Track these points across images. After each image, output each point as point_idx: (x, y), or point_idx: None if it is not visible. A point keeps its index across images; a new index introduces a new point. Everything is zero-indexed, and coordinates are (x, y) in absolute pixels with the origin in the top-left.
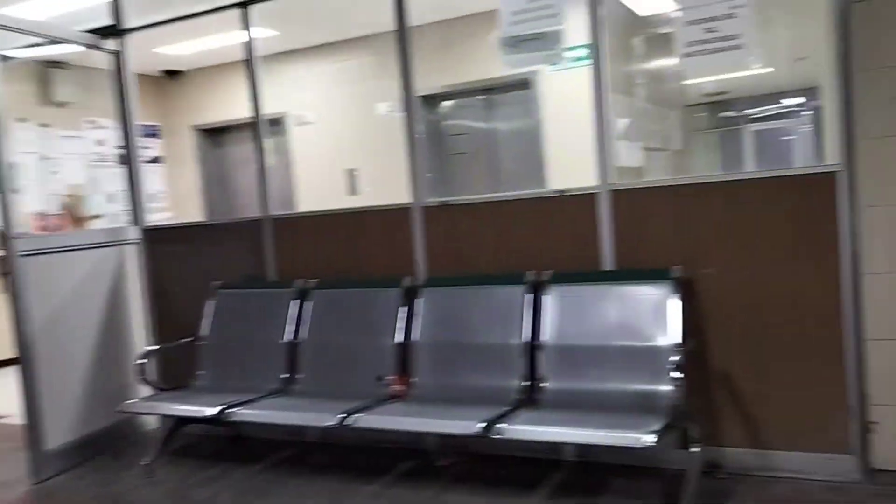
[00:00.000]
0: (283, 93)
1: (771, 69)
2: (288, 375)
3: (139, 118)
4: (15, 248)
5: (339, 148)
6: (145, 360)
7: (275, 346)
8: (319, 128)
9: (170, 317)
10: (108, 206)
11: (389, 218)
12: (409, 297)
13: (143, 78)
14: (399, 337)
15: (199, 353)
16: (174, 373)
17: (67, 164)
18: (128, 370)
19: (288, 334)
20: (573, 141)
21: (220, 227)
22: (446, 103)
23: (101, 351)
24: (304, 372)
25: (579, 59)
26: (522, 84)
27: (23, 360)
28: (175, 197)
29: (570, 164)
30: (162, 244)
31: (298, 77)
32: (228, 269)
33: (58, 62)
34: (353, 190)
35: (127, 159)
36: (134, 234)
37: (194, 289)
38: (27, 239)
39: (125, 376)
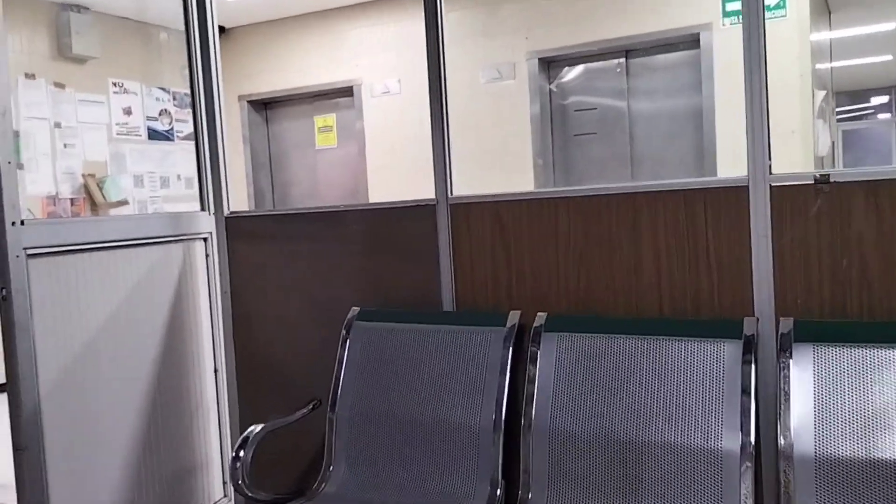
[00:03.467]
0: (353, 56)
1: None
2: (502, 482)
3: (214, 82)
4: (17, 242)
5: (426, 125)
6: (241, 454)
7: (475, 429)
8: (403, 100)
9: (262, 359)
10: (134, 191)
11: (703, 205)
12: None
13: (178, 34)
14: None
15: (329, 435)
16: (272, 458)
17: (86, 136)
18: (194, 448)
19: (501, 409)
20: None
21: (354, 216)
22: (570, 69)
23: (151, 415)
24: (538, 479)
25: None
26: (683, 42)
27: (20, 432)
28: None
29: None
30: (252, 241)
31: (374, 35)
32: (368, 285)
33: (76, 4)
34: None
35: (203, 133)
36: (207, 224)
37: (306, 315)
38: (38, 227)
39: (190, 458)
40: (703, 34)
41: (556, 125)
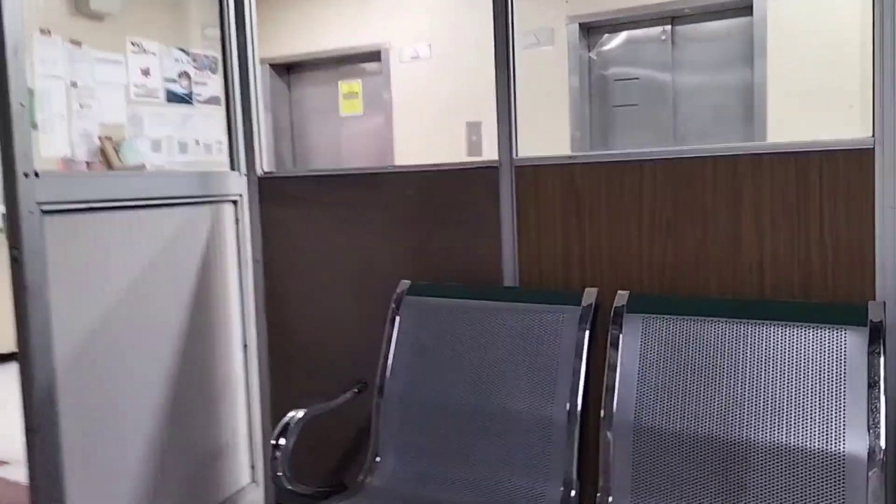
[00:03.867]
0: (381, 19)
1: None
2: (577, 483)
3: (249, 28)
4: (30, 196)
5: (457, 93)
6: (281, 442)
7: (546, 421)
8: (433, 66)
9: (296, 335)
10: (152, 156)
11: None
12: None
13: None
14: None
15: (375, 422)
16: (307, 446)
17: (104, 97)
18: (220, 429)
19: (576, 399)
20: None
21: (404, 178)
22: (611, 36)
23: (174, 393)
24: (620, 481)
25: None
26: (734, 9)
27: (33, 412)
28: None
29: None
30: (288, 205)
31: None
32: (418, 256)
33: None
34: (475, 149)
35: (235, 84)
36: (237, 185)
37: (348, 288)
38: (55, 180)
39: (215, 440)
40: (756, 0)
41: (595, 95)
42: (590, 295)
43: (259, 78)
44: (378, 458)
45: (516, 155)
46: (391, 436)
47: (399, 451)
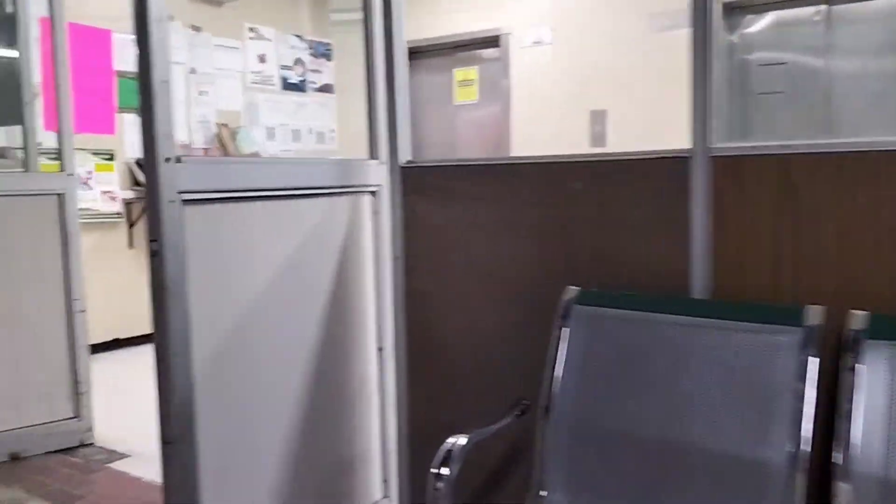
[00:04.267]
0: (501, 1)
1: None
2: None
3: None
4: (171, 184)
5: (581, 80)
6: (443, 471)
7: (760, 464)
8: (555, 51)
9: (439, 341)
10: (266, 144)
11: None
12: None
13: None
14: None
15: (540, 449)
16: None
17: (221, 84)
18: (354, 439)
19: (798, 439)
20: None
21: (571, 169)
22: (756, 17)
23: (311, 399)
24: None
25: None
26: None
27: (170, 421)
28: (346, 139)
29: None
30: (434, 198)
31: None
32: (585, 259)
33: None
34: (598, 139)
35: (376, 65)
36: (377, 174)
37: (500, 292)
38: (197, 166)
39: (348, 450)
40: None
41: (736, 82)
42: (815, 314)
43: (406, 63)
44: (543, 492)
45: (712, 143)
46: (559, 467)
47: (569, 486)
